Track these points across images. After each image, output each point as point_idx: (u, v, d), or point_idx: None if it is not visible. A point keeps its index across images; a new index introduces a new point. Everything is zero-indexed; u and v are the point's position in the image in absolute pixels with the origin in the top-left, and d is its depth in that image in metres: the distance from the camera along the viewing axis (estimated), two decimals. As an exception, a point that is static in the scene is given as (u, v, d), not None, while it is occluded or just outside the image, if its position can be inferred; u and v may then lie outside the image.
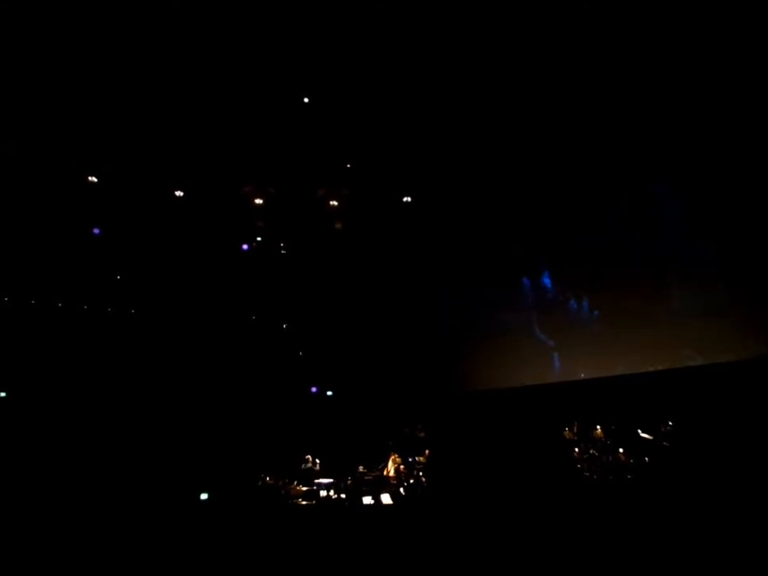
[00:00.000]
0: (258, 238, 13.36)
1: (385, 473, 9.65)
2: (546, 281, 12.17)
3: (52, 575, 5.02)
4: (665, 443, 9.07)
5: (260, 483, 8.99)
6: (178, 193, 11.85)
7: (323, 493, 8.82)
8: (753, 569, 4.57)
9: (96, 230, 12.15)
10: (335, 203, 12.70)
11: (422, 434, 11.21)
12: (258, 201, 12.28)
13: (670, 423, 9.21)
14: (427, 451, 10.14)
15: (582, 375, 10.87)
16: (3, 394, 11.00)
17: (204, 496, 8.52)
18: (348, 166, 11.83)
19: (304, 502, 8.61)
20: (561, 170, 10.57)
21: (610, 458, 9.25)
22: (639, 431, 9.36)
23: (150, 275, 12.44)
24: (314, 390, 13.48)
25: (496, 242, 12.75)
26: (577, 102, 9.44)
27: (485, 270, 13.43)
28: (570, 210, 11.19)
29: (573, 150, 10.28)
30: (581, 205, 11.04)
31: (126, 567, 5.79)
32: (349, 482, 9.25)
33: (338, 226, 13.08)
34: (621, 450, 9.29)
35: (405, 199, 12.55)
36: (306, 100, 9.81)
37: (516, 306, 12.79)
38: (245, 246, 13.36)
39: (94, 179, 11.17)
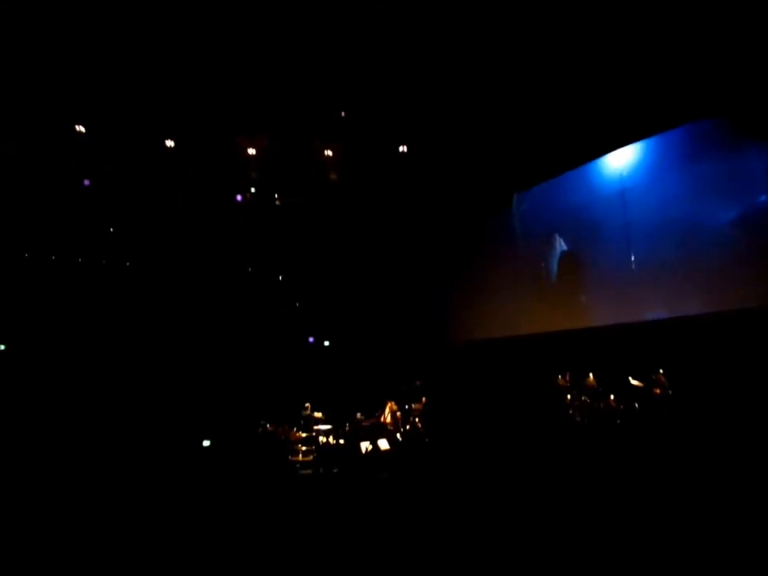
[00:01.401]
0: (252, 189, 13.20)
1: (382, 419, 9.90)
2: (538, 227, 12.06)
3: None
4: (655, 390, 9.29)
5: (260, 430, 9.22)
6: (169, 143, 11.60)
7: (322, 438, 9.07)
8: (734, 515, 4.74)
9: (86, 181, 11.95)
10: (330, 153, 12.52)
11: (419, 383, 11.44)
12: (252, 151, 12.06)
13: (661, 371, 9.40)
14: (423, 399, 10.38)
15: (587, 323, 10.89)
16: (2, 347, 11.05)
17: (206, 443, 8.76)
18: (342, 114, 11.56)
19: (303, 448, 8.87)
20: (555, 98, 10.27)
21: (602, 404, 9.48)
22: (630, 378, 9.56)
23: (143, 225, 12.31)
24: (311, 340, 13.64)
25: (490, 191, 12.63)
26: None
27: (478, 221, 13.39)
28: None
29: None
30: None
31: (125, 511, 5.93)
32: (347, 428, 9.51)
33: (333, 176, 12.93)
34: (612, 397, 9.52)
35: (401, 149, 12.36)
36: (298, 46, 9.45)
37: (510, 255, 12.76)
38: (238, 197, 13.21)
39: (82, 129, 10.90)
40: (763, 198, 8.10)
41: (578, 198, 11.02)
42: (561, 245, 11.46)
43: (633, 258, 9.96)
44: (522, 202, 12.52)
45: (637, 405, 9.28)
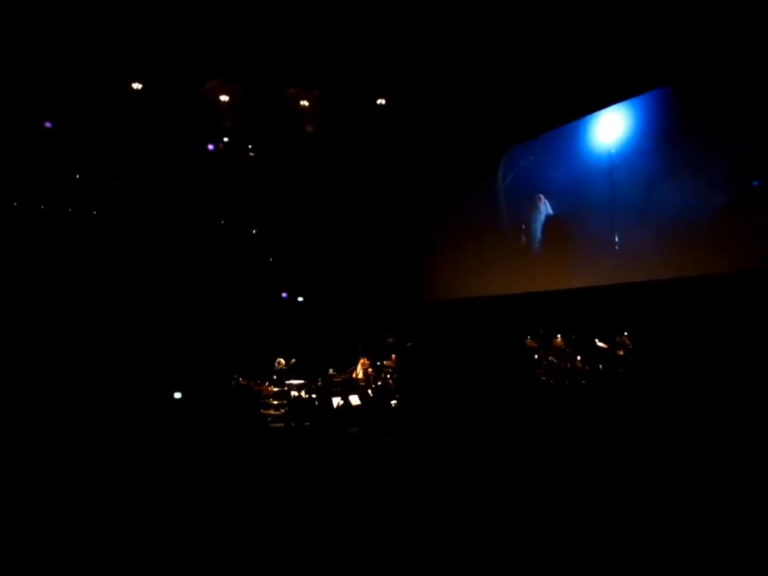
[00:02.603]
0: (225, 138, 12.77)
1: (354, 375, 10.05)
2: (522, 192, 12.02)
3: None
4: (619, 351, 9.62)
5: (233, 383, 9.27)
6: (136, 85, 11.05)
7: (294, 393, 9.17)
8: (706, 475, 4.93)
9: (48, 124, 11.37)
10: (306, 103, 12.14)
11: (390, 340, 11.58)
12: (224, 98, 11.60)
13: (626, 333, 9.70)
14: (394, 356, 10.54)
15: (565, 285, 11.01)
16: None
17: (177, 395, 8.75)
18: (319, 63, 11.14)
19: (275, 402, 8.97)
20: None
21: (568, 364, 9.79)
22: (596, 341, 9.86)
23: (109, 172, 11.86)
24: (284, 295, 13.59)
25: (473, 148, 12.47)
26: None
27: (459, 180, 13.29)
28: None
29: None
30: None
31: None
32: (319, 383, 9.63)
33: (309, 128, 12.59)
34: (578, 358, 9.83)
35: (378, 101, 12.05)
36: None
37: (486, 211, 12.74)
38: (210, 146, 12.77)
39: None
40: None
41: (566, 172, 10.94)
42: (545, 208, 11.44)
43: (616, 238, 10.05)
44: (507, 170, 12.37)
45: (601, 366, 9.64)
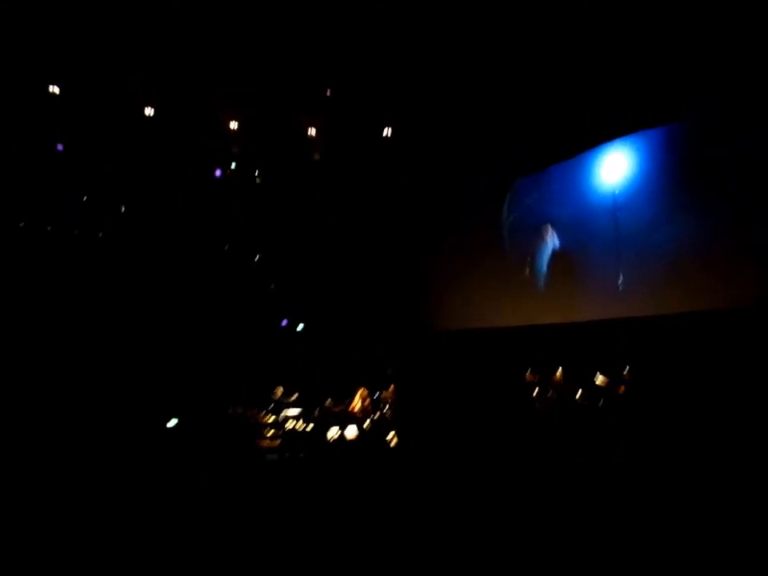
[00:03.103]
0: (233, 165, 12.94)
1: (351, 406, 9.96)
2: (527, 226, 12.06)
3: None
4: (620, 386, 9.51)
5: (230, 412, 9.21)
6: (148, 111, 11.26)
7: (290, 424, 9.09)
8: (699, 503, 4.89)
9: (60, 146, 11.57)
10: (314, 132, 12.30)
11: (390, 371, 11.50)
12: (234, 125, 11.78)
13: (627, 368, 9.60)
14: (392, 387, 10.45)
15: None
16: None
17: (172, 422, 8.69)
18: (328, 93, 11.33)
19: (271, 432, 8.89)
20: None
21: (568, 398, 9.66)
22: (598, 374, 9.76)
23: (117, 199, 12.01)
24: (284, 323, 13.58)
25: (478, 178, 12.57)
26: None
27: (458, 207, 13.35)
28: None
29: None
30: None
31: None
32: (316, 413, 9.54)
33: (316, 156, 12.73)
34: (579, 392, 9.71)
35: (385, 131, 12.19)
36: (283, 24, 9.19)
37: (488, 243, 12.76)
38: (218, 172, 12.94)
39: (56, 90, 10.48)
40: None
41: (570, 211, 11.03)
42: (552, 241, 11.46)
43: (621, 279, 10.09)
44: (512, 204, 12.44)
45: (602, 401, 9.51)
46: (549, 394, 9.70)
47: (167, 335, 11.42)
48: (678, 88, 8.85)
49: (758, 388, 6.94)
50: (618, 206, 10.08)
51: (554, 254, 11.35)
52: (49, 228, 11.82)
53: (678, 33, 8.38)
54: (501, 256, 12.48)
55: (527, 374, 10.02)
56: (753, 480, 5.11)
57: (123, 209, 12.29)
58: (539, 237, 11.56)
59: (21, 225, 11.51)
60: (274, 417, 9.36)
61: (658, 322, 9.35)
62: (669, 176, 9.29)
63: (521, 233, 12.07)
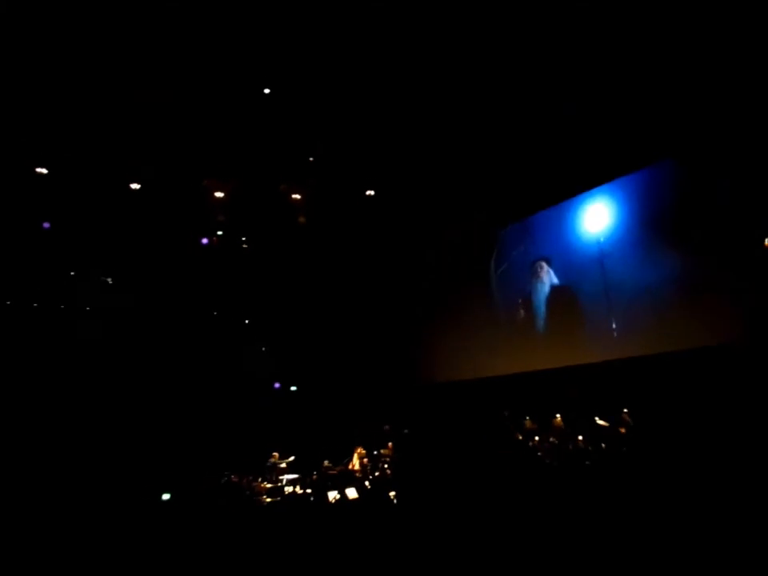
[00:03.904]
0: (219, 232, 13.12)
1: (350, 467, 9.69)
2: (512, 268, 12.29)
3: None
4: (620, 429, 9.40)
5: (224, 481, 8.89)
6: (134, 185, 11.49)
7: (288, 489, 8.79)
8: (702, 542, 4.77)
9: (46, 224, 11.68)
10: (298, 197, 12.60)
11: (387, 427, 11.29)
12: (219, 194, 12.05)
13: (625, 410, 9.54)
14: (390, 444, 10.22)
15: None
16: None
17: (166, 496, 8.35)
18: (311, 159, 11.70)
19: (269, 499, 8.56)
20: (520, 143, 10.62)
21: (570, 445, 9.51)
22: (597, 419, 9.66)
23: (107, 270, 12.06)
24: (277, 385, 13.38)
25: (465, 231, 12.87)
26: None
27: (447, 262, 13.57)
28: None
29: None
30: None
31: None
32: (314, 476, 9.25)
33: (302, 220, 12.98)
34: (580, 438, 9.57)
35: (368, 193, 12.53)
36: (266, 91, 9.60)
37: (482, 295, 12.91)
38: (204, 240, 13.10)
39: (44, 171, 10.71)
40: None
41: (558, 260, 11.37)
42: (543, 284, 11.66)
43: (614, 325, 10.25)
44: (500, 256, 12.76)
45: (603, 445, 9.37)
46: (549, 441, 9.56)
47: (159, 406, 11.18)
48: (653, 135, 9.34)
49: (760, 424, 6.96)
50: (604, 254, 10.41)
51: (547, 303, 11.56)
52: (35, 305, 11.79)
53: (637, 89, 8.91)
54: (492, 307, 12.64)
55: (527, 421, 9.91)
56: (749, 505, 5.03)
57: (110, 281, 12.34)
58: (535, 276, 11.79)
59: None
60: (270, 484, 9.05)
61: (652, 362, 9.44)
62: (648, 222, 9.70)
63: (510, 285, 12.33)
